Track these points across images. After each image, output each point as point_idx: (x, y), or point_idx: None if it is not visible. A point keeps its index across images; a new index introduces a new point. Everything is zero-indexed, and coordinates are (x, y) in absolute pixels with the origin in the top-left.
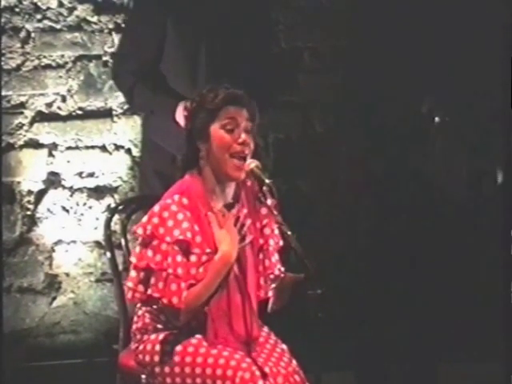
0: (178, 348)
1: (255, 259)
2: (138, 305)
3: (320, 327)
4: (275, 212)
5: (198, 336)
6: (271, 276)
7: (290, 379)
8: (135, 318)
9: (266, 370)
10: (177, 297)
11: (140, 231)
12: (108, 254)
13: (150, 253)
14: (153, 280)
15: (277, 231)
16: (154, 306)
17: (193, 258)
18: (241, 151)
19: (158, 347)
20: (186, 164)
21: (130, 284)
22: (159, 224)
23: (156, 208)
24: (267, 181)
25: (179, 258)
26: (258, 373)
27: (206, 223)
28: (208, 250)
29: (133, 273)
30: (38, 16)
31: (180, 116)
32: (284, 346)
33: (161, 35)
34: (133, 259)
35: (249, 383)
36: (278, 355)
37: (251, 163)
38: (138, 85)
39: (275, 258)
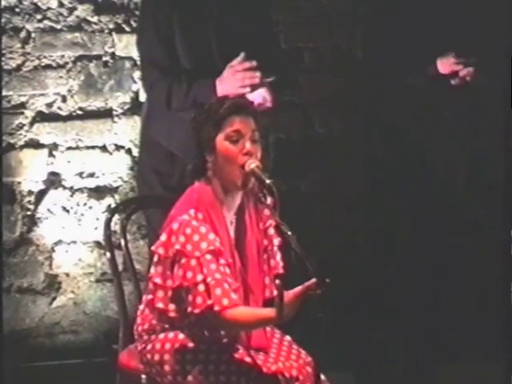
0: (190, 345)
1: (259, 260)
2: (141, 307)
3: (320, 327)
4: (273, 211)
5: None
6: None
7: (302, 371)
8: (139, 320)
9: (280, 364)
10: (226, 298)
11: (161, 251)
12: (108, 255)
13: (180, 272)
14: (190, 297)
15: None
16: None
17: (221, 269)
18: (247, 160)
19: (167, 345)
20: (194, 174)
21: (160, 305)
22: (186, 242)
23: (175, 226)
24: (267, 181)
25: (213, 266)
26: (273, 368)
27: (223, 234)
28: (230, 260)
29: (160, 293)
30: (39, 16)
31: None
32: (289, 338)
33: (170, 38)
34: (157, 280)
35: (264, 378)
36: (287, 348)
37: (251, 163)
38: (174, 86)
39: (279, 256)
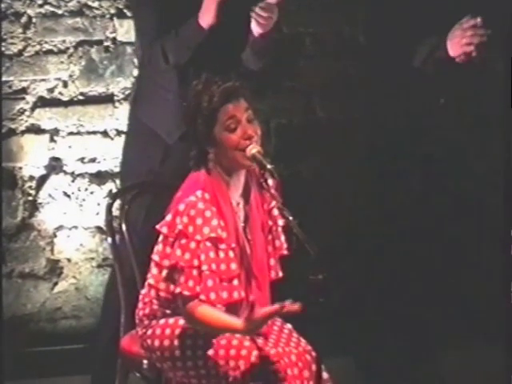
0: (190, 331)
1: (265, 241)
2: (143, 291)
3: (321, 313)
4: (274, 192)
5: None
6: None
7: (302, 358)
8: (140, 305)
9: (279, 349)
10: (214, 292)
11: (165, 230)
12: (109, 240)
13: (178, 252)
14: (182, 278)
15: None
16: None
17: (221, 254)
18: (249, 144)
19: (168, 331)
20: (196, 163)
21: (151, 281)
22: (188, 223)
23: (181, 207)
24: (269, 166)
25: (212, 255)
26: (272, 351)
27: (229, 217)
28: (233, 245)
29: (154, 270)
30: (40, 1)
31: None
32: (290, 326)
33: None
34: (155, 257)
35: (263, 362)
36: (287, 336)
37: (253, 148)
38: (165, 40)
39: (283, 237)
